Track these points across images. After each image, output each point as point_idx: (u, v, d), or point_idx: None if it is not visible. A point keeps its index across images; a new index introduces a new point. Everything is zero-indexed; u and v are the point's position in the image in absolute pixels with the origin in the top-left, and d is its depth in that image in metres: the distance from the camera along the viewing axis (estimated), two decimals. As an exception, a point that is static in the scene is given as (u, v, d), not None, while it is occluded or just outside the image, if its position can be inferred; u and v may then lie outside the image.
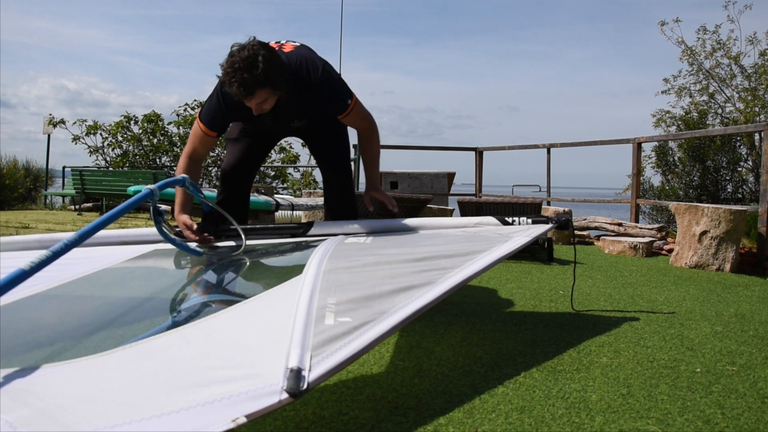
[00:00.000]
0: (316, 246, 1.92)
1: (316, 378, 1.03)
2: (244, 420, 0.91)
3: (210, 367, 1.07)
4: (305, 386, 1.00)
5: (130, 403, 0.95)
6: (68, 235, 1.39)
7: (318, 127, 2.59)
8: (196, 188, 2.14)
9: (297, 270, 1.57)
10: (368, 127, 2.46)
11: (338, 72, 2.55)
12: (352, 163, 8.30)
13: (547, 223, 2.26)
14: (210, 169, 12.55)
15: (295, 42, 2.36)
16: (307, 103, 2.29)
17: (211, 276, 1.96)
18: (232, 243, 2.26)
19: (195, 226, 2.20)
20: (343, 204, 2.63)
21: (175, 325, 1.36)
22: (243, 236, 2.15)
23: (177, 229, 2.24)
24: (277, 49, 2.22)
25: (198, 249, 2.13)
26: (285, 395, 0.97)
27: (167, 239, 2.08)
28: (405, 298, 1.38)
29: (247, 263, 2.06)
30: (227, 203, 2.56)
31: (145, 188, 1.77)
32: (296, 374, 1.01)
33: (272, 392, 0.97)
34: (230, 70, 1.99)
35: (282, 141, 9.64)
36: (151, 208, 1.93)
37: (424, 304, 1.37)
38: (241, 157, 2.58)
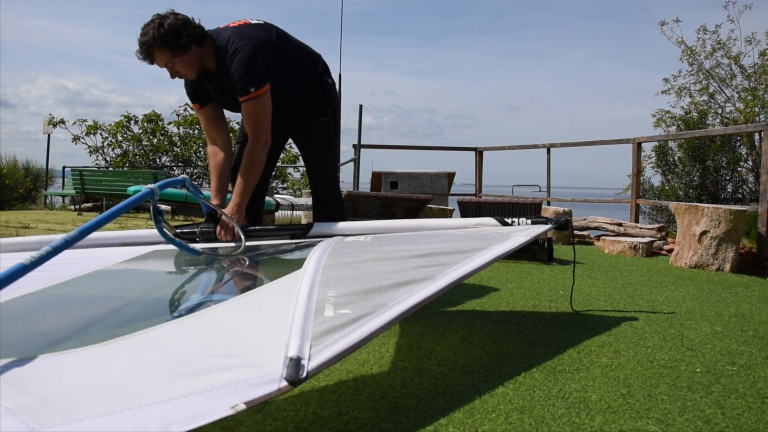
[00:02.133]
0: (314, 246, 1.92)
1: (315, 367, 1.03)
2: (243, 407, 0.91)
3: (210, 356, 1.08)
4: (304, 374, 1.00)
5: (129, 390, 0.96)
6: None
7: (303, 131, 2.59)
8: (196, 189, 2.14)
9: (296, 266, 1.58)
10: (252, 142, 2.31)
11: (321, 72, 2.52)
12: (352, 163, 8.29)
13: (546, 223, 2.26)
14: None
15: (257, 20, 2.41)
16: (229, 76, 2.30)
17: (210, 276, 1.96)
18: (231, 243, 2.26)
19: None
20: (322, 213, 2.62)
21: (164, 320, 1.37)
22: (242, 236, 2.15)
23: (177, 230, 2.24)
24: (224, 26, 2.34)
25: (197, 249, 2.13)
26: (284, 383, 0.97)
27: (167, 239, 2.08)
28: (404, 292, 1.39)
29: (247, 263, 2.06)
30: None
31: (145, 188, 1.77)
32: (296, 363, 1.01)
33: (272, 380, 0.97)
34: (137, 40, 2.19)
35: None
36: (151, 207, 1.93)
37: (423, 298, 1.37)
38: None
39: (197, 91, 2.44)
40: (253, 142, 2.31)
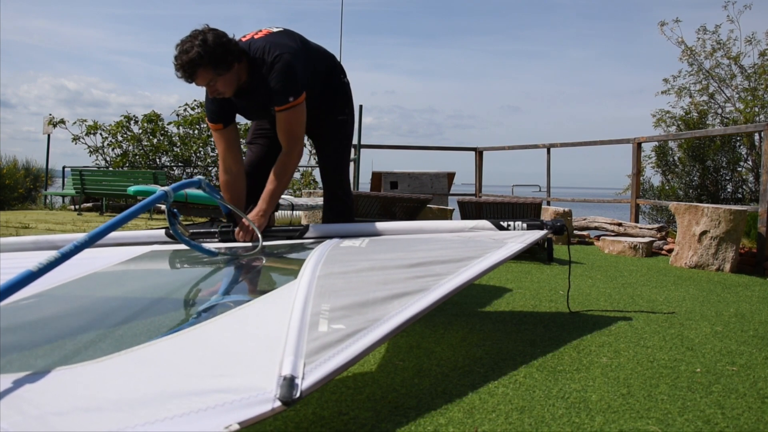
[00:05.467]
0: (312, 249, 1.92)
1: (309, 386, 1.03)
2: (237, 427, 0.92)
3: (204, 374, 1.08)
4: (298, 394, 1.01)
5: (124, 410, 0.96)
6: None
7: (321, 129, 2.59)
8: (213, 189, 2.14)
9: (296, 267, 1.58)
10: (286, 151, 2.29)
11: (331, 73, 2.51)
12: (352, 163, 8.30)
13: (542, 228, 2.27)
14: (210, 169, 12.55)
15: (278, 28, 2.37)
16: (265, 86, 2.26)
17: (219, 277, 1.97)
18: (248, 243, 2.26)
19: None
20: (334, 209, 2.62)
21: (180, 323, 1.37)
22: (260, 237, 2.14)
23: (191, 231, 2.24)
24: (248, 36, 2.29)
25: (212, 250, 2.13)
26: (278, 403, 0.98)
27: (182, 240, 2.07)
28: (398, 305, 1.39)
29: (261, 266, 2.07)
30: (248, 201, 2.61)
31: (159, 189, 1.77)
32: (289, 382, 1.02)
33: (265, 400, 0.98)
34: (174, 58, 2.11)
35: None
36: (166, 209, 1.93)
37: (416, 312, 1.38)
38: (257, 156, 2.62)
39: (223, 111, 2.38)
40: (287, 151, 2.29)
